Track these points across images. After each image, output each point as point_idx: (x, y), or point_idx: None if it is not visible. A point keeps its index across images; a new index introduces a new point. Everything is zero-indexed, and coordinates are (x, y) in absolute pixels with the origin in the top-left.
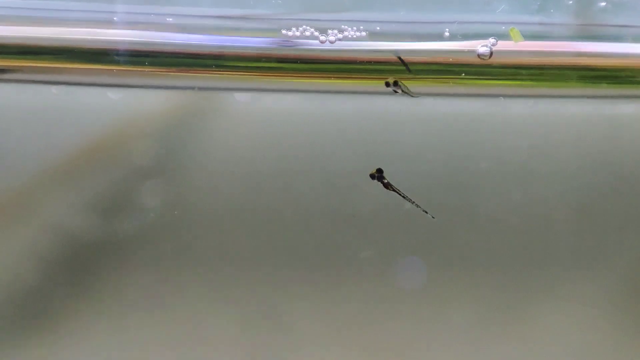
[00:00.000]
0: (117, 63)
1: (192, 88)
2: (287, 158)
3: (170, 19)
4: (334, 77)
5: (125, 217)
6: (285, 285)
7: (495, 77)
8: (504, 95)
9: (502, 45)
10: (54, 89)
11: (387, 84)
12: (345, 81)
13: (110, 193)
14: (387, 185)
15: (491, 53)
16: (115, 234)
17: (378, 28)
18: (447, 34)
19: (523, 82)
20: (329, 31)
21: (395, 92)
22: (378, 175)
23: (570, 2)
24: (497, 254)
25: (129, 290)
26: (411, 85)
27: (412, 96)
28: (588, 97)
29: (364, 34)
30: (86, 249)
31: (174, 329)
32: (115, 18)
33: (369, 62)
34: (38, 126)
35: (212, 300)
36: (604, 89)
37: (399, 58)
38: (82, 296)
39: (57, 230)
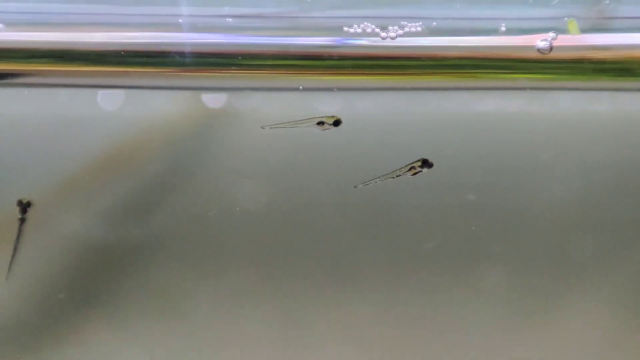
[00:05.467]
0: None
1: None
2: (316, 158)
3: (230, 20)
4: (395, 74)
5: (139, 223)
6: (302, 289)
7: (555, 72)
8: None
9: (562, 39)
10: (65, 95)
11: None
12: (405, 78)
13: (124, 200)
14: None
15: (551, 47)
16: (129, 240)
17: (435, 24)
18: (503, 28)
19: (584, 76)
20: (389, 27)
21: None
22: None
23: None
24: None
25: (143, 296)
26: (462, 81)
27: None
28: None
29: (419, 29)
30: (100, 256)
31: (189, 334)
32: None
33: (432, 58)
34: (52, 134)
35: (228, 306)
36: None
37: None
38: (94, 303)
39: (72, 237)
